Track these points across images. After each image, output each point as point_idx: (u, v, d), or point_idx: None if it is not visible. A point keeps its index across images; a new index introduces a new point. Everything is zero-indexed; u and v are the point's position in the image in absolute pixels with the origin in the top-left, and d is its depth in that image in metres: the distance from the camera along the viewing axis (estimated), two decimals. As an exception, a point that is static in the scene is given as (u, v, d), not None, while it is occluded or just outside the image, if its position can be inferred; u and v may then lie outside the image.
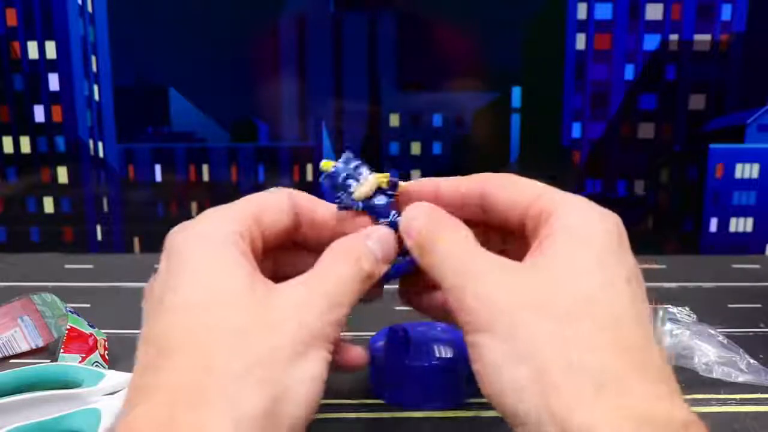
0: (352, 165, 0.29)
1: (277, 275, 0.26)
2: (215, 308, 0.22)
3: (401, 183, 0.30)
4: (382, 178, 0.30)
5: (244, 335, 0.22)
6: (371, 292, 0.27)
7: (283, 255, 0.30)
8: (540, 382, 0.21)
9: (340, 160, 0.29)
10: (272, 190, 0.28)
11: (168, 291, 0.23)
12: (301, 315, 0.23)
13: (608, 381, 0.20)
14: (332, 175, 0.29)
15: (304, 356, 0.22)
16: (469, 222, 0.28)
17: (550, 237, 0.24)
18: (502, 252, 0.26)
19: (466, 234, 0.26)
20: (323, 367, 0.23)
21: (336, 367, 0.25)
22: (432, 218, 0.27)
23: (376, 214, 0.29)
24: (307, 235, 0.29)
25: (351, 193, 0.29)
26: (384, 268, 0.27)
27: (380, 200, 0.29)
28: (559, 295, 0.22)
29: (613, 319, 0.22)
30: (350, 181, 0.29)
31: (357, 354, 0.28)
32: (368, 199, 0.29)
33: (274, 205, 0.28)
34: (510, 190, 0.28)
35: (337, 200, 0.29)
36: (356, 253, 0.26)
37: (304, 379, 0.22)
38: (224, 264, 0.24)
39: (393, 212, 0.29)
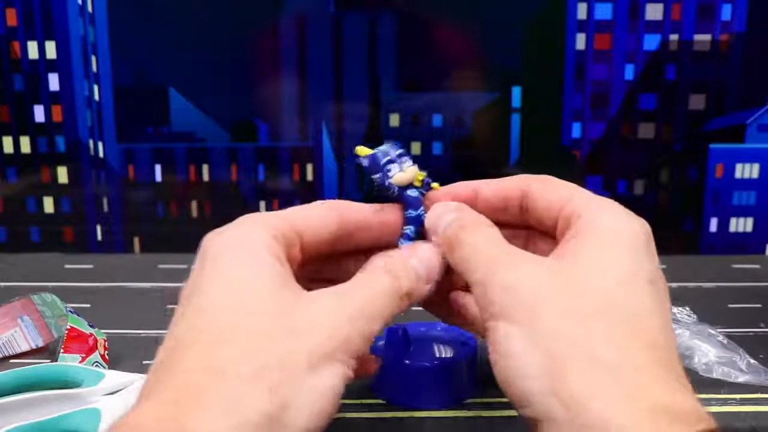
0: (396, 152, 0.30)
1: (322, 284, 0.26)
2: (237, 311, 0.22)
3: (434, 184, 0.31)
4: (419, 175, 0.30)
5: (260, 339, 0.22)
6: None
7: (331, 264, 0.30)
8: (556, 371, 0.21)
9: (384, 146, 0.30)
10: (319, 202, 0.29)
11: (195, 292, 0.23)
12: (325, 324, 0.23)
13: (625, 373, 0.21)
14: (374, 157, 0.29)
15: (321, 367, 0.22)
16: (508, 224, 0.29)
17: (577, 236, 0.25)
18: (535, 252, 0.26)
19: (493, 230, 0.27)
20: (340, 381, 0.23)
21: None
22: (459, 215, 0.28)
23: (407, 204, 0.30)
24: (359, 240, 0.29)
25: (390, 177, 0.29)
26: (426, 289, 0.27)
27: (413, 192, 0.30)
28: (582, 290, 0.23)
29: (633, 315, 0.22)
30: (391, 166, 0.29)
31: (372, 364, 0.28)
32: (404, 188, 0.30)
33: (316, 214, 0.28)
34: (547, 192, 0.28)
35: (377, 181, 0.30)
36: (396, 269, 0.26)
37: (317, 390, 0.22)
38: (253, 267, 0.24)
39: (421, 208, 0.30)
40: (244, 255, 0.24)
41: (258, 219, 0.26)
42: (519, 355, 0.22)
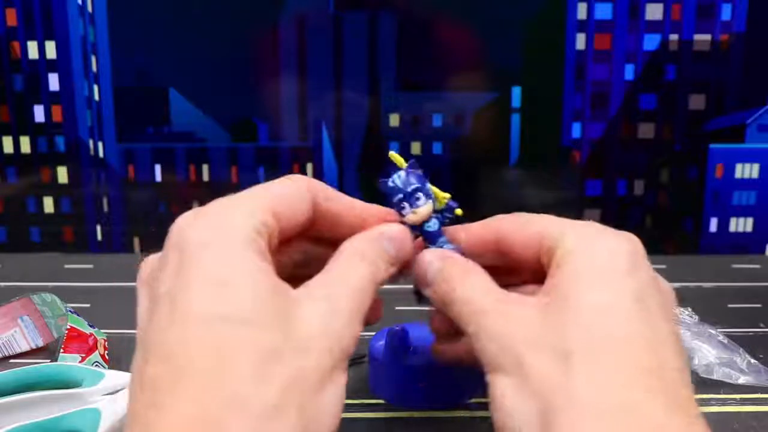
0: (412, 186, 0.28)
1: (282, 266, 0.24)
2: (234, 324, 0.20)
3: (457, 210, 0.30)
4: (441, 199, 0.29)
5: (268, 358, 0.20)
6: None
7: (291, 246, 0.28)
8: (546, 419, 0.20)
9: (402, 174, 0.28)
10: (291, 177, 0.26)
11: (181, 295, 0.21)
12: (327, 333, 0.22)
13: (613, 412, 0.20)
14: (389, 189, 0.29)
15: (331, 378, 0.21)
16: (490, 268, 0.28)
17: (559, 268, 0.24)
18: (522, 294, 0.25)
19: (480, 277, 0.26)
20: (344, 390, 0.22)
21: None
22: (448, 267, 0.27)
23: (427, 240, 0.29)
24: (323, 228, 0.27)
25: (404, 216, 0.28)
26: (392, 270, 0.26)
27: (431, 226, 0.29)
28: (565, 327, 0.22)
29: (615, 344, 0.21)
30: (405, 204, 0.28)
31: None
32: (421, 224, 0.29)
33: (294, 197, 0.25)
34: (521, 229, 0.27)
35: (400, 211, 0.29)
36: (372, 255, 0.25)
37: (332, 403, 0.21)
38: (246, 272, 0.21)
39: (442, 238, 0.29)
40: (232, 258, 0.21)
41: (237, 206, 0.23)
42: (513, 410, 0.22)
